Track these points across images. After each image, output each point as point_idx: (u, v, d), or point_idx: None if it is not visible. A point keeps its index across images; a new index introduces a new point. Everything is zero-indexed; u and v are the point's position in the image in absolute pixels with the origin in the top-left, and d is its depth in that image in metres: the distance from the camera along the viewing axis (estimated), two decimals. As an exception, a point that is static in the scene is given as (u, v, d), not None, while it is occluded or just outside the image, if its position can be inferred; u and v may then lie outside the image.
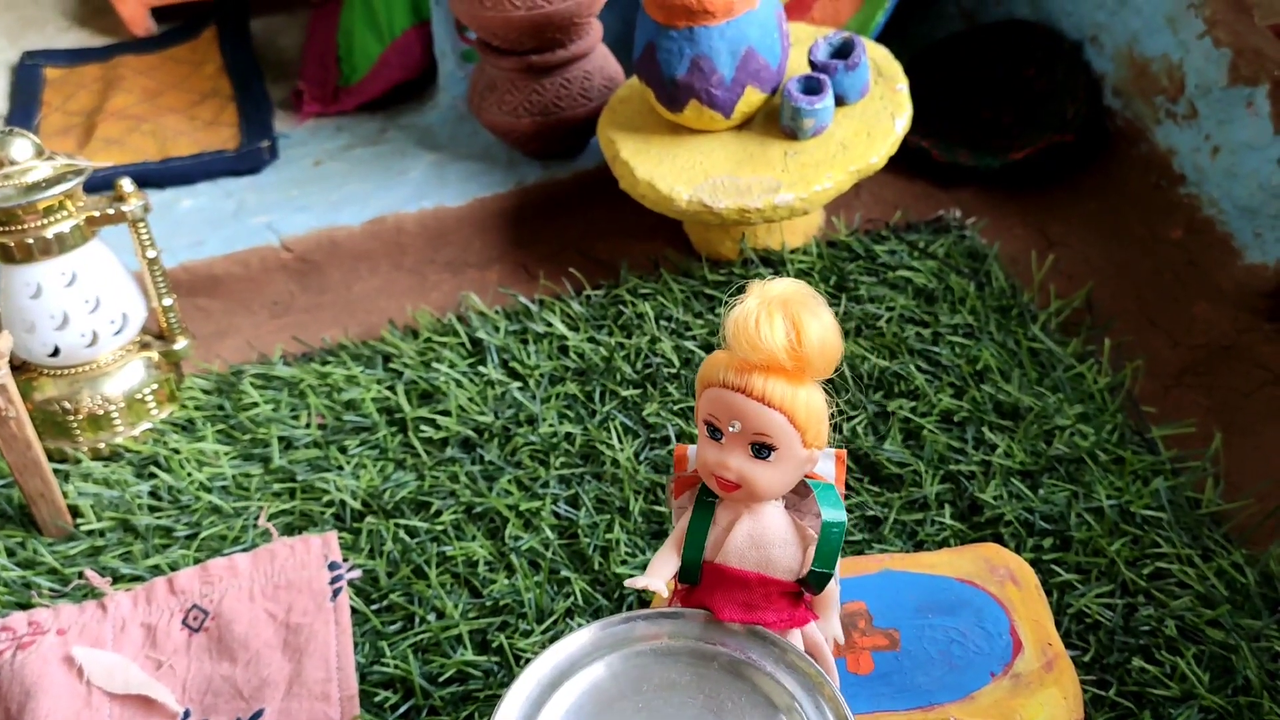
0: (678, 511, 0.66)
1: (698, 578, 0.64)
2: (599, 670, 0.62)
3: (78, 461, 1.01)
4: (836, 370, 0.61)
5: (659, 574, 0.64)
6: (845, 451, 0.68)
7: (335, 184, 1.27)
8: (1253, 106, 1.05)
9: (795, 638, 0.65)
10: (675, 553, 0.64)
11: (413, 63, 1.40)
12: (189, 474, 0.99)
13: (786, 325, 0.58)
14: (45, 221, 0.95)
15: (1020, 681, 0.72)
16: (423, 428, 1.01)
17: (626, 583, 0.62)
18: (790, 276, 1.09)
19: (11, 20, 1.61)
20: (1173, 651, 0.80)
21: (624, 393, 1.02)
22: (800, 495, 0.65)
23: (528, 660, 0.82)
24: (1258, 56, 1.05)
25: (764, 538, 0.63)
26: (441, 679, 0.82)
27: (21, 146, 0.94)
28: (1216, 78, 1.08)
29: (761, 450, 0.60)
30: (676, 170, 1.08)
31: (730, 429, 0.60)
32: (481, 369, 1.06)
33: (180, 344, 1.06)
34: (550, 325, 1.09)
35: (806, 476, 0.64)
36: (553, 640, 0.83)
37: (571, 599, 0.86)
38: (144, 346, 1.05)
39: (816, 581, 0.63)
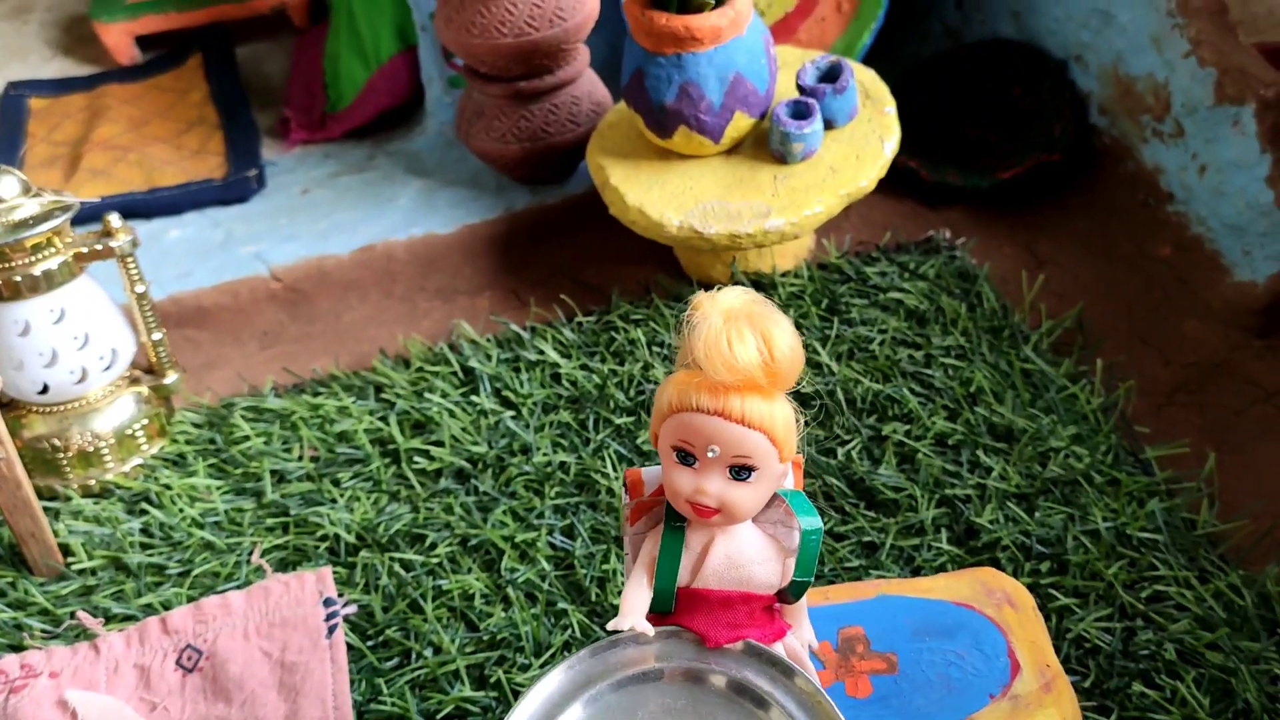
0: (634, 539, 0.64)
1: (672, 606, 0.63)
2: (591, 704, 0.61)
3: (68, 499, 1.01)
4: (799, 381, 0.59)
5: (637, 611, 0.61)
6: (802, 456, 0.66)
7: (324, 212, 1.26)
8: (1239, 125, 1.06)
9: (777, 649, 0.64)
10: (647, 584, 0.62)
11: (400, 89, 1.40)
12: (181, 510, 0.98)
13: (757, 340, 0.56)
14: (33, 259, 0.95)
15: (1019, 703, 0.72)
16: (416, 459, 1.00)
17: (609, 625, 0.60)
18: (781, 300, 1.10)
19: (-6, 50, 1.61)
20: (1172, 675, 0.80)
21: (618, 420, 1.01)
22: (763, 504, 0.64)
23: (517, 695, 0.81)
24: (1243, 75, 1.06)
25: (742, 556, 0.62)
26: (439, 716, 0.82)
27: (8, 184, 0.94)
28: (1202, 97, 1.09)
29: (741, 472, 0.58)
30: (666, 196, 1.08)
31: (709, 454, 0.58)
32: (474, 398, 1.05)
33: (170, 378, 1.05)
34: (542, 353, 1.09)
35: None
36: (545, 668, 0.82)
37: (569, 631, 0.86)
38: (133, 381, 1.04)
39: (796, 591, 0.63)
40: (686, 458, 0.58)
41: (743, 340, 0.56)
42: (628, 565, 0.65)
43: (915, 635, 0.77)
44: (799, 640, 0.66)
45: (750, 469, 0.58)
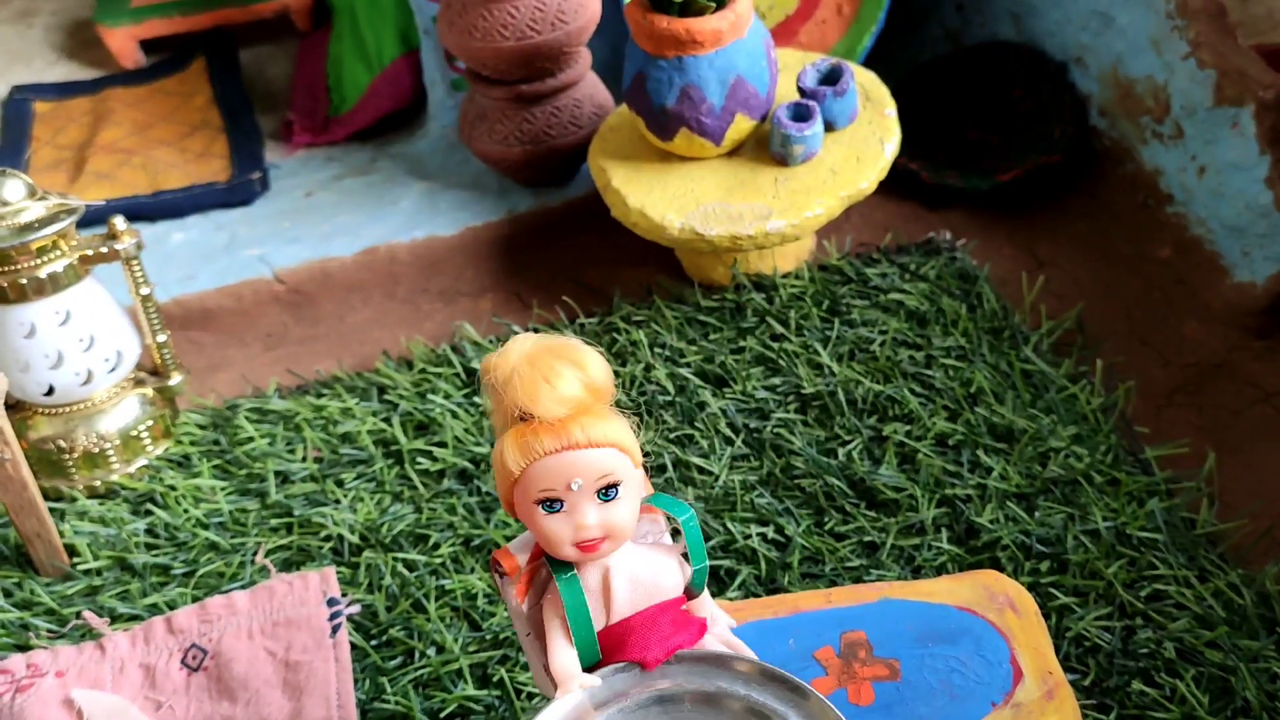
0: (531, 615, 0.64)
1: (598, 653, 0.62)
2: None
3: (74, 500, 1.01)
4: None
5: (575, 671, 0.61)
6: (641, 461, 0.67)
7: (327, 215, 1.27)
8: (1238, 127, 1.06)
9: (709, 644, 0.64)
10: (568, 644, 0.62)
11: (402, 92, 1.40)
12: (185, 510, 0.99)
13: (570, 369, 0.58)
14: (38, 261, 0.95)
15: (1021, 711, 0.72)
16: (419, 460, 1.01)
17: (558, 696, 0.60)
18: (782, 300, 1.11)
19: (-1, 54, 1.62)
20: (1172, 674, 0.80)
21: (619, 421, 1.02)
22: None
23: (520, 695, 0.82)
24: (1242, 77, 1.06)
25: (643, 573, 0.62)
26: (443, 715, 0.82)
27: (14, 187, 0.94)
28: (1202, 98, 1.09)
29: (609, 491, 0.59)
30: (668, 198, 1.09)
31: (573, 488, 0.58)
32: (477, 399, 1.06)
33: (175, 380, 1.06)
34: (544, 354, 1.09)
35: None
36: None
37: (571, 631, 0.86)
38: (138, 383, 1.05)
39: (699, 580, 0.63)
40: (553, 505, 0.59)
41: (557, 373, 0.58)
42: (530, 646, 0.64)
43: (918, 641, 0.77)
44: (723, 626, 0.66)
45: (615, 485, 0.59)
